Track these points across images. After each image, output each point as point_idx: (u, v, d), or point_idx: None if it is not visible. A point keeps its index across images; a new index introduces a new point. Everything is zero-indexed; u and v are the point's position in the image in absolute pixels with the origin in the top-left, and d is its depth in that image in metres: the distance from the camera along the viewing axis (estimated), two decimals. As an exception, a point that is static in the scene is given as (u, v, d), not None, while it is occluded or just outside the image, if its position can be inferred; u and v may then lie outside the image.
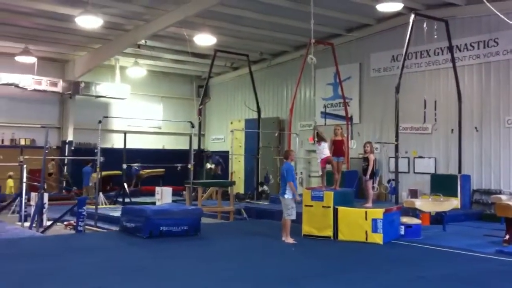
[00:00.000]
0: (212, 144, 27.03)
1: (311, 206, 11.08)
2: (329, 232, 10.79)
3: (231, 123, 24.36)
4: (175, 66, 25.33)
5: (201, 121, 20.66)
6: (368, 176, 11.30)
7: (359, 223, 10.53)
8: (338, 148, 11.72)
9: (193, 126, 17.30)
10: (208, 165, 21.58)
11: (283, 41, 21.61)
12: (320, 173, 12.10)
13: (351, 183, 15.78)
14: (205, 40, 18.43)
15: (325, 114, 19.97)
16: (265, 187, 20.41)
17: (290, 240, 10.21)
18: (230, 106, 26.47)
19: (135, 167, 20.74)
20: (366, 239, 10.37)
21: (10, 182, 19.29)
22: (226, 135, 25.46)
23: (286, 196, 10.33)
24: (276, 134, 21.37)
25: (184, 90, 27.46)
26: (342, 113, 19.68)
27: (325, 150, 11.38)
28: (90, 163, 19.41)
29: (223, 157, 21.61)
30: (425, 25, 15.50)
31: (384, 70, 19.26)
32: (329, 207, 10.84)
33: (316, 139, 11.42)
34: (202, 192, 15.69)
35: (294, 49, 22.45)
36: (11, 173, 19.24)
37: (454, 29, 16.66)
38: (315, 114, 21.52)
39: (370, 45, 19.80)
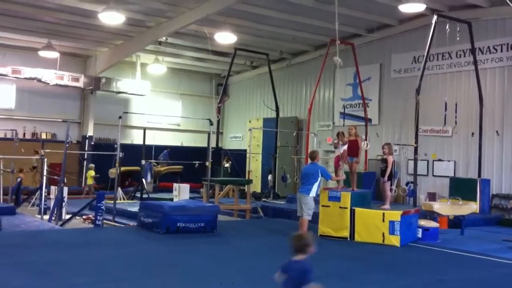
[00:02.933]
0: (230, 142, 27.09)
1: (328, 206, 11.07)
2: (346, 233, 10.77)
3: (250, 121, 24.38)
4: (195, 64, 25.44)
5: (220, 119, 20.71)
6: (386, 178, 11.24)
7: (376, 225, 10.49)
8: (351, 148, 11.72)
9: (211, 124, 17.37)
10: (225, 164, 21.66)
11: (303, 41, 21.56)
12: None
13: (369, 185, 15.71)
14: (225, 38, 18.48)
15: (344, 115, 19.87)
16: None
17: None
18: (248, 105, 26.51)
19: (152, 163, 20.83)
20: (383, 241, 10.33)
21: (91, 173, 20.36)
22: (244, 133, 25.50)
23: (310, 194, 10.40)
24: (294, 134, 21.34)
25: (203, 88, 27.58)
26: (361, 114, 19.58)
27: (342, 150, 11.57)
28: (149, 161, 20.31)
29: (238, 155, 21.73)
30: (447, 27, 15.35)
31: (405, 72, 19.11)
32: (346, 208, 10.82)
33: (340, 142, 11.66)
34: (219, 190, 15.74)
35: (314, 48, 22.40)
36: (92, 165, 20.42)
37: (477, 31, 16.45)
38: (334, 115, 21.50)
39: (391, 46, 19.67)
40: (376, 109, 20.01)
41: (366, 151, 17.06)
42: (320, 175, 10.65)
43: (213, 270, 7.63)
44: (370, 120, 19.46)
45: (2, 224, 11.05)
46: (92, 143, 23.82)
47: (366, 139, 17.64)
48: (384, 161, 11.35)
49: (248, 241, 10.49)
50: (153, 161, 19.74)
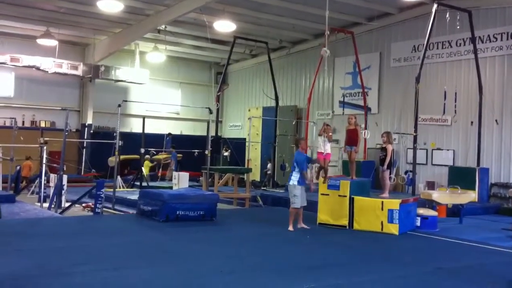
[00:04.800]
0: (230, 131, 27.09)
1: (327, 195, 11.08)
2: (345, 221, 10.80)
3: (249, 110, 24.38)
4: (194, 52, 25.37)
5: (219, 107, 20.70)
6: (385, 167, 11.24)
7: (375, 213, 10.51)
8: (351, 137, 11.69)
9: (211, 112, 17.35)
10: (225, 152, 21.67)
11: (303, 29, 21.50)
12: (317, 166, 11.99)
13: (368, 173, 15.74)
14: (224, 26, 18.42)
15: (343, 104, 19.87)
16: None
17: (290, 228, 10.21)
18: (248, 94, 26.47)
19: (153, 151, 20.89)
20: (382, 229, 10.36)
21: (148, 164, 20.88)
22: (243, 122, 25.50)
23: (290, 183, 10.42)
24: (294, 123, 21.34)
25: (202, 76, 27.54)
26: (361, 102, 19.57)
27: (327, 146, 11.13)
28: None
29: (238, 144, 21.79)
30: (447, 15, 15.30)
31: (404, 60, 19.08)
32: (345, 196, 10.84)
33: (324, 134, 11.11)
34: (219, 178, 15.77)
35: (314, 37, 22.33)
36: (147, 156, 20.59)
37: (477, 20, 16.41)
38: (334, 104, 21.50)
39: (391, 35, 19.62)
40: (375, 98, 20.00)
41: (365, 140, 17.06)
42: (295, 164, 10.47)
43: (212, 258, 7.65)
44: (369, 109, 19.46)
45: (2, 212, 11.07)
46: (91, 131, 23.82)
47: (366, 128, 17.65)
48: (384, 149, 11.35)
49: (248, 230, 10.52)
50: (152, 149, 19.74)
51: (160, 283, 6.16)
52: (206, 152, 16.12)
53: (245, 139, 22.79)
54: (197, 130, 26.16)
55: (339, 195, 10.91)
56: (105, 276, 6.35)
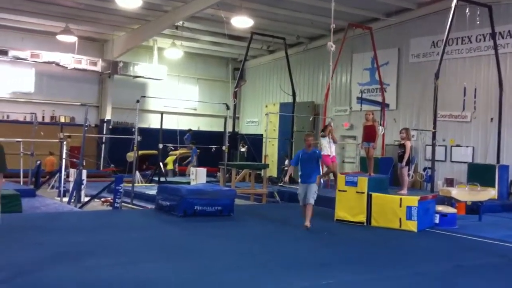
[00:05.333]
0: (247, 127, 27.11)
1: (345, 191, 11.05)
2: (363, 218, 10.76)
3: (266, 106, 24.35)
4: (212, 48, 25.42)
5: (236, 103, 20.71)
6: (404, 163, 11.14)
7: (393, 210, 10.46)
8: (369, 134, 11.62)
9: (228, 108, 17.38)
10: (242, 148, 21.71)
11: (320, 25, 21.37)
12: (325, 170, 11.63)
13: (385, 170, 15.63)
14: (242, 22, 18.42)
15: (361, 100, 19.76)
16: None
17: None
18: (265, 90, 26.46)
19: (171, 147, 21.00)
20: (400, 226, 10.30)
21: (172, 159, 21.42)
22: (260, 118, 25.50)
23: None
24: (311, 119, 21.27)
25: (220, 72, 27.59)
26: (379, 99, 19.45)
27: (333, 148, 10.89)
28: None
29: (254, 140, 21.80)
30: (467, 11, 15.09)
31: (423, 56, 18.91)
32: (363, 192, 10.80)
33: (329, 135, 10.88)
34: (236, 174, 15.80)
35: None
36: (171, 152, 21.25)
37: (498, 15, 16.17)
38: (351, 100, 21.40)
39: (409, 30, 19.44)
40: (393, 94, 19.85)
41: (383, 136, 16.97)
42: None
43: (228, 254, 7.68)
44: (387, 105, 19.32)
45: (23, 206, 11.24)
46: (110, 126, 24.03)
47: (382, 124, 17.55)
48: (402, 146, 11.26)
49: (265, 225, 10.51)
50: (170, 145, 19.84)
51: (175, 278, 6.19)
52: (224, 148, 16.18)
53: (262, 135, 22.76)
54: (214, 126, 26.25)
55: (357, 192, 10.87)
56: (122, 271, 6.41)
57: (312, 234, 9.61)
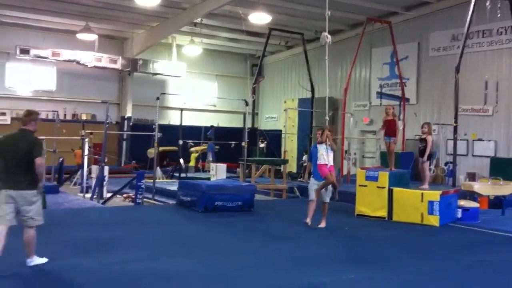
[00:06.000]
0: (266, 123, 27.12)
1: (365, 186, 11.04)
2: (384, 213, 10.74)
3: (285, 102, 24.33)
4: (230, 45, 25.46)
5: (255, 99, 20.73)
6: (425, 158, 11.09)
7: (415, 205, 10.41)
8: (389, 128, 11.56)
9: (247, 104, 17.42)
10: (261, 144, 21.74)
11: (339, 20, 21.24)
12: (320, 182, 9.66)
13: (406, 165, 15.52)
14: (260, 18, 18.41)
15: (381, 95, 19.64)
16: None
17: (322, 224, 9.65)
18: (284, 85, 26.42)
19: (191, 143, 21.14)
20: (422, 221, 10.25)
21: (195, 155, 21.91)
22: (279, 114, 25.48)
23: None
24: (330, 114, 21.13)
25: (238, 69, 27.62)
26: (398, 93, 19.29)
27: (330, 157, 9.33)
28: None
29: (274, 136, 21.85)
30: (488, 3, 14.91)
31: (443, 50, 18.71)
32: (384, 187, 10.77)
33: (327, 141, 9.40)
34: (255, 170, 15.85)
35: (350, 27, 22.08)
36: (193, 149, 21.64)
37: (520, 7, 15.92)
38: (371, 95, 21.28)
39: (429, 24, 19.25)
40: (414, 88, 19.69)
41: (403, 130, 16.85)
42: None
43: (249, 249, 7.72)
44: (408, 99, 19.16)
45: (47, 202, 11.41)
46: (131, 123, 24.26)
47: (402, 119, 17.42)
48: (423, 140, 11.20)
49: (285, 221, 10.52)
50: (190, 141, 19.95)
51: (195, 273, 6.25)
52: (243, 143, 16.23)
53: (281, 130, 22.75)
54: (233, 122, 26.32)
55: (378, 187, 10.85)
56: (143, 265, 6.50)
57: (333, 229, 9.59)
